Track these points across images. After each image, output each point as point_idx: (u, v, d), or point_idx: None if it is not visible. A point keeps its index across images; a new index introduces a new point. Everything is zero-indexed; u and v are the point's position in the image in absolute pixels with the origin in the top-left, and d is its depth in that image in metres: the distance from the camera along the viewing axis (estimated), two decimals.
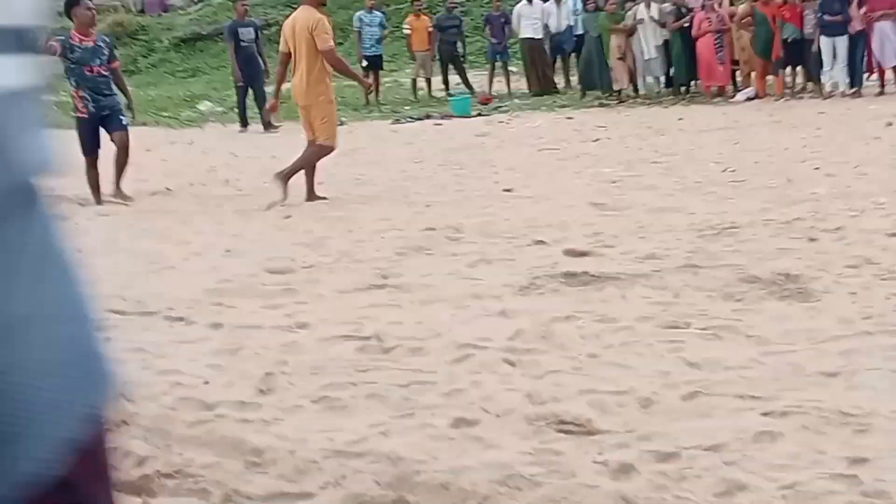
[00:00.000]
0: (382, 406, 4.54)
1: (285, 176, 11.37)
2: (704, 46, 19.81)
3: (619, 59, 20.66)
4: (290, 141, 14.38)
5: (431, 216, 9.80)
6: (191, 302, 6.78)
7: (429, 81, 24.16)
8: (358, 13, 23.99)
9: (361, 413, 4.48)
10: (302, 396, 4.73)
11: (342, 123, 15.98)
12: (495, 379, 4.80)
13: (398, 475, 3.71)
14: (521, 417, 4.26)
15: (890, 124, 15.47)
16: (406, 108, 22.58)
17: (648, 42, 20.48)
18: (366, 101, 22.68)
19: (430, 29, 23.75)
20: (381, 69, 23.64)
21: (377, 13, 23.89)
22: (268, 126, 19.22)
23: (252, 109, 19.82)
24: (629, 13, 20.69)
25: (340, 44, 21.36)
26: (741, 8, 20.03)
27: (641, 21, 20.47)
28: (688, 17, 20.07)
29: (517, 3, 23.22)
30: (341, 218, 9.99)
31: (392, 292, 6.79)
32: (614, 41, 20.60)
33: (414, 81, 24.28)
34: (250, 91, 19.73)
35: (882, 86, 18.49)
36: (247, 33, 19.61)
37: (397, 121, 20.48)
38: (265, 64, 19.71)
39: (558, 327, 5.57)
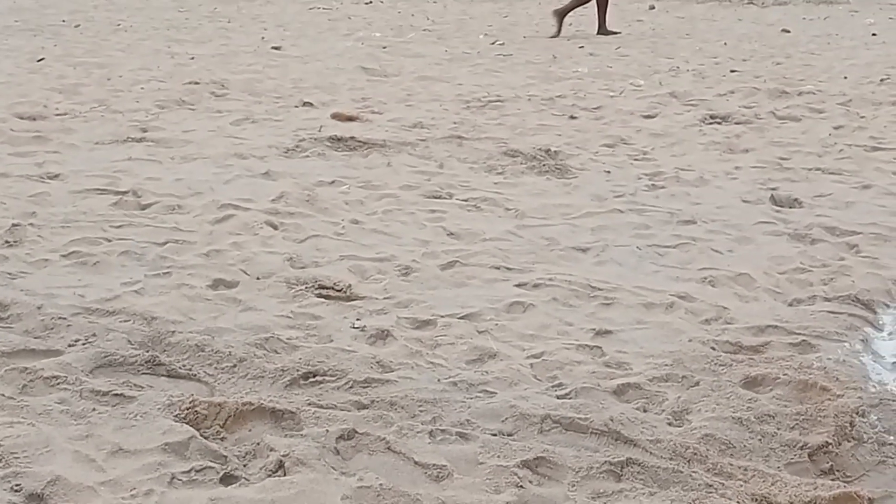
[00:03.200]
0: (137, 264, 4.41)
1: (562, 13, 12.44)
2: None
3: None
4: None
5: (195, 69, 9.48)
6: None
7: None
8: None
9: (115, 270, 4.34)
10: (51, 250, 4.53)
11: None
12: (256, 241, 4.74)
13: (152, 335, 3.63)
14: (280, 280, 4.23)
15: (652, 7, 15.98)
16: None
17: None
18: None
19: None
20: None
21: None
22: None
23: None
24: None
25: None
26: None
27: None
28: None
29: None
30: (99, 65, 9.52)
31: (151, 147, 6.55)
32: None
33: None
34: None
35: None
36: None
37: None
38: None
39: (322, 192, 5.54)
